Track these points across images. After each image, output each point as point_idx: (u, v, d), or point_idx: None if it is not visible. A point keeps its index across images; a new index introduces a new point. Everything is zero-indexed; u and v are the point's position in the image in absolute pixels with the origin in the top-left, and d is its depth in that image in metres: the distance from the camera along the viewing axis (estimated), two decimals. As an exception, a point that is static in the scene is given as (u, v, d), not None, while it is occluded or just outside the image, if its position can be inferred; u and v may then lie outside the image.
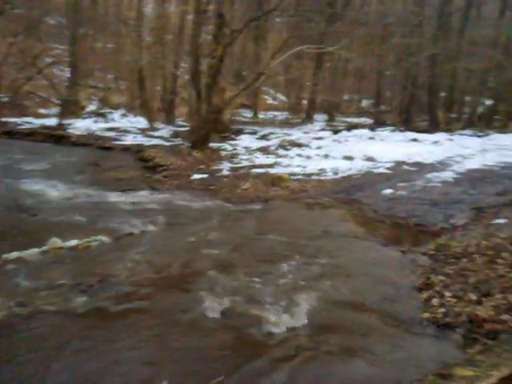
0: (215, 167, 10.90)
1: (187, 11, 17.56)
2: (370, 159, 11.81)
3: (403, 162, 11.36)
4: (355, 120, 23.08)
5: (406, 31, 21.43)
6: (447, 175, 9.80)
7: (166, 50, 18.48)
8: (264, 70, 13.27)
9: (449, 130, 19.23)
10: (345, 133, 17.50)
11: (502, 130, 19.67)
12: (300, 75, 21.66)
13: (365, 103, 28.69)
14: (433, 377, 1.16)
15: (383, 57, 21.94)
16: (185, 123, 17.35)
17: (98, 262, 4.95)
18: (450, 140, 16.15)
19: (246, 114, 22.26)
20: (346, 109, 26.37)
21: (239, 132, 16.72)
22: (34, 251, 5.09)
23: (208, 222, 6.66)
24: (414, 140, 15.74)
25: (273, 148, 13.70)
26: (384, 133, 17.73)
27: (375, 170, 10.52)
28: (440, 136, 16.84)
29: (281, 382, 3.03)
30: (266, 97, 27.79)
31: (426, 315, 3.94)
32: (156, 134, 16.12)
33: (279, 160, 11.75)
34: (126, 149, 13.38)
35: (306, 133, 17.32)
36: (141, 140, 14.81)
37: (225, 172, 10.39)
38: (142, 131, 16.39)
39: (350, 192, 8.58)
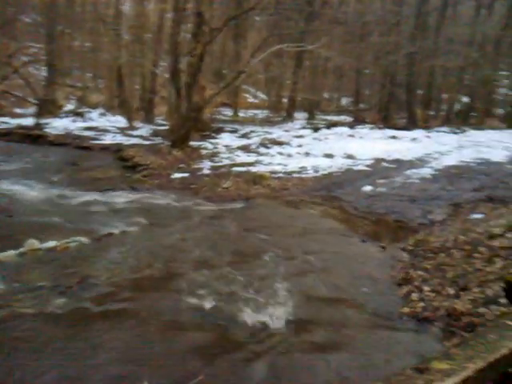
0: (196, 166, 10.85)
1: (166, 9, 17.40)
2: (349, 157, 11.91)
3: (382, 159, 11.49)
4: (335, 118, 23.25)
5: (384, 30, 21.66)
6: (425, 172, 9.94)
7: (145, 48, 18.31)
8: (244, 69, 13.24)
9: (427, 127, 19.54)
10: (325, 131, 17.61)
11: (479, 126, 20.09)
12: (280, 73, 21.70)
13: (344, 101, 28.88)
14: (410, 371, 1.17)
15: (362, 55, 22.10)
16: (164, 122, 17.23)
17: (76, 263, 4.88)
18: (428, 137, 16.41)
19: (226, 113, 22.21)
20: (326, 107, 26.52)
21: (220, 130, 16.67)
22: (10, 253, 4.99)
23: (189, 222, 6.63)
24: (393, 137, 15.94)
25: (254, 146, 13.70)
26: (363, 130, 17.90)
27: (355, 168, 10.61)
28: (418, 133, 17.11)
29: (260, 378, 3.04)
30: (247, 95, 27.78)
31: (406, 310, 4.00)
32: (135, 133, 15.95)
33: (260, 158, 11.76)
34: (105, 148, 13.21)
35: (286, 131, 17.37)
36: (120, 139, 14.64)
37: (205, 171, 10.35)
38: (121, 130, 16.21)
39: (331, 189, 8.64)
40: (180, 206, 7.61)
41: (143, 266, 4.82)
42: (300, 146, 13.86)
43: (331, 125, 19.39)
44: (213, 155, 12.12)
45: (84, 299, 4.01)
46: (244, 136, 16.02)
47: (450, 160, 11.36)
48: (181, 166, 10.85)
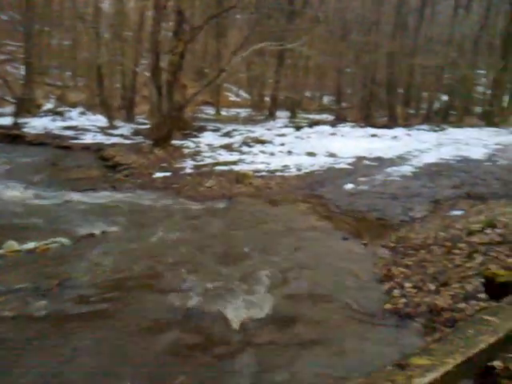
0: (178, 165, 10.78)
1: (146, 7, 17.25)
2: (331, 155, 11.98)
3: (364, 157, 11.58)
4: (317, 117, 23.33)
5: (365, 29, 21.84)
6: (406, 169, 10.05)
7: (125, 46, 18.11)
8: (225, 67, 13.22)
9: (407, 125, 19.77)
10: (307, 129, 17.67)
11: (458, 124, 20.39)
12: (262, 72, 21.69)
13: (326, 100, 29.02)
14: (391, 367, 1.18)
15: (343, 54, 22.24)
16: (145, 121, 17.08)
17: (57, 264, 4.81)
18: (409, 135, 16.59)
19: (208, 111, 22.11)
20: (308, 106, 26.58)
21: (202, 129, 16.59)
22: (-12, 255, 4.90)
23: (171, 221, 6.59)
24: (374, 135, 16.07)
25: (236, 145, 13.68)
26: (345, 129, 18.02)
27: (337, 166, 10.68)
28: (399, 131, 17.28)
29: (241, 377, 3.04)
30: (229, 94, 27.68)
31: (388, 306, 4.04)
32: (116, 132, 15.78)
33: (243, 157, 11.75)
34: (86, 148, 13.04)
35: (269, 130, 17.38)
36: (100, 139, 14.47)
37: (188, 170, 10.30)
38: (102, 129, 16.02)
39: (313, 188, 8.68)
40: (162, 205, 7.55)
41: (124, 266, 4.77)
42: (282, 144, 13.88)
43: (313, 123, 19.47)
44: (195, 154, 12.07)
45: (64, 301, 3.95)
46: (226, 135, 15.97)
47: (430, 158, 11.50)
48: (163, 165, 10.78)
